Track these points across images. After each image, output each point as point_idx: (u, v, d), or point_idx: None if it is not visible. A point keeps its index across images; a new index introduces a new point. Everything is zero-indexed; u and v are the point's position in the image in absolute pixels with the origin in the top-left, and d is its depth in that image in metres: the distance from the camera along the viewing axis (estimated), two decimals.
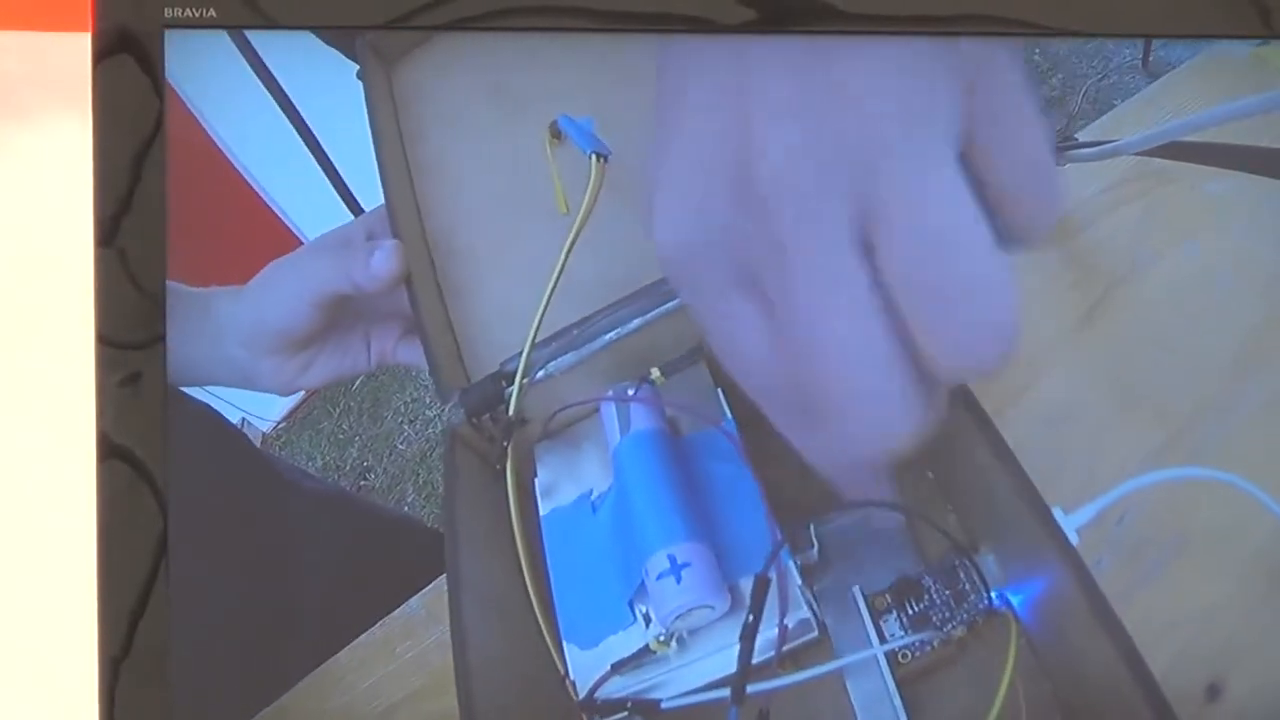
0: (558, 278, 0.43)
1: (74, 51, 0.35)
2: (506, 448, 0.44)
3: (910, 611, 0.42)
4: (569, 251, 0.43)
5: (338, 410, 0.44)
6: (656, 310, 0.43)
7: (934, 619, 0.41)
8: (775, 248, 0.25)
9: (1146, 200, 0.55)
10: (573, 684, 0.40)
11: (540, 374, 0.45)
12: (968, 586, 0.41)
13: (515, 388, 0.44)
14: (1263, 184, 0.50)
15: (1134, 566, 0.42)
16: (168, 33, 0.31)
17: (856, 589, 0.42)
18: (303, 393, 0.43)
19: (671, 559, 0.39)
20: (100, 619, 0.32)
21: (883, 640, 0.41)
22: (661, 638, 0.39)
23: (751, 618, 0.37)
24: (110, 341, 0.32)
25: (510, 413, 0.44)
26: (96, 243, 0.31)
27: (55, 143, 0.46)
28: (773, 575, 0.38)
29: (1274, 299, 0.49)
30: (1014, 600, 0.41)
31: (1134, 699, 0.32)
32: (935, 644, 0.41)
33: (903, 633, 0.41)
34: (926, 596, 0.42)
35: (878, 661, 0.41)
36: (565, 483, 0.46)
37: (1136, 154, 0.48)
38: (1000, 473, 0.37)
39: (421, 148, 0.55)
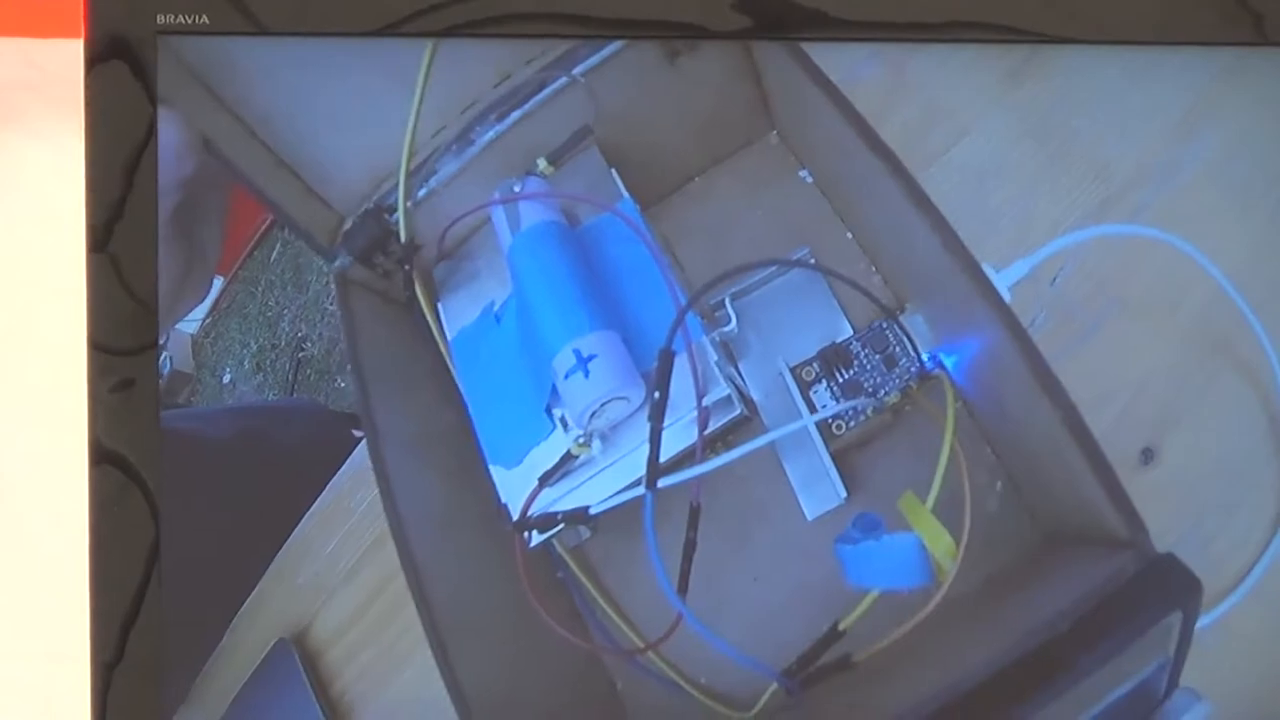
0: (424, 86, 0.38)
1: (67, 58, 0.34)
2: (410, 271, 0.41)
3: (840, 379, 0.39)
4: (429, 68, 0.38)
5: (260, 288, 0.42)
6: (534, 99, 0.40)
7: (865, 385, 0.39)
8: None
9: None
10: (505, 508, 0.38)
11: (423, 192, 0.41)
12: (897, 350, 0.39)
13: (400, 213, 0.41)
14: None
15: (1070, 327, 0.40)
16: (160, 39, 0.31)
17: (781, 360, 0.40)
18: (221, 282, 0.40)
19: (577, 353, 0.36)
20: (93, 625, 0.31)
21: (814, 411, 0.38)
22: (581, 439, 0.37)
23: (658, 394, 0.35)
24: (103, 347, 0.31)
25: (403, 239, 0.41)
26: (89, 249, 0.31)
27: (48, 148, 0.46)
28: (680, 350, 0.36)
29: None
30: (947, 362, 0.38)
31: (1073, 460, 0.31)
32: (869, 412, 0.39)
33: (834, 402, 0.39)
34: (855, 363, 0.39)
35: (810, 435, 0.39)
36: (467, 301, 0.42)
37: None
38: (923, 228, 0.34)
39: None
